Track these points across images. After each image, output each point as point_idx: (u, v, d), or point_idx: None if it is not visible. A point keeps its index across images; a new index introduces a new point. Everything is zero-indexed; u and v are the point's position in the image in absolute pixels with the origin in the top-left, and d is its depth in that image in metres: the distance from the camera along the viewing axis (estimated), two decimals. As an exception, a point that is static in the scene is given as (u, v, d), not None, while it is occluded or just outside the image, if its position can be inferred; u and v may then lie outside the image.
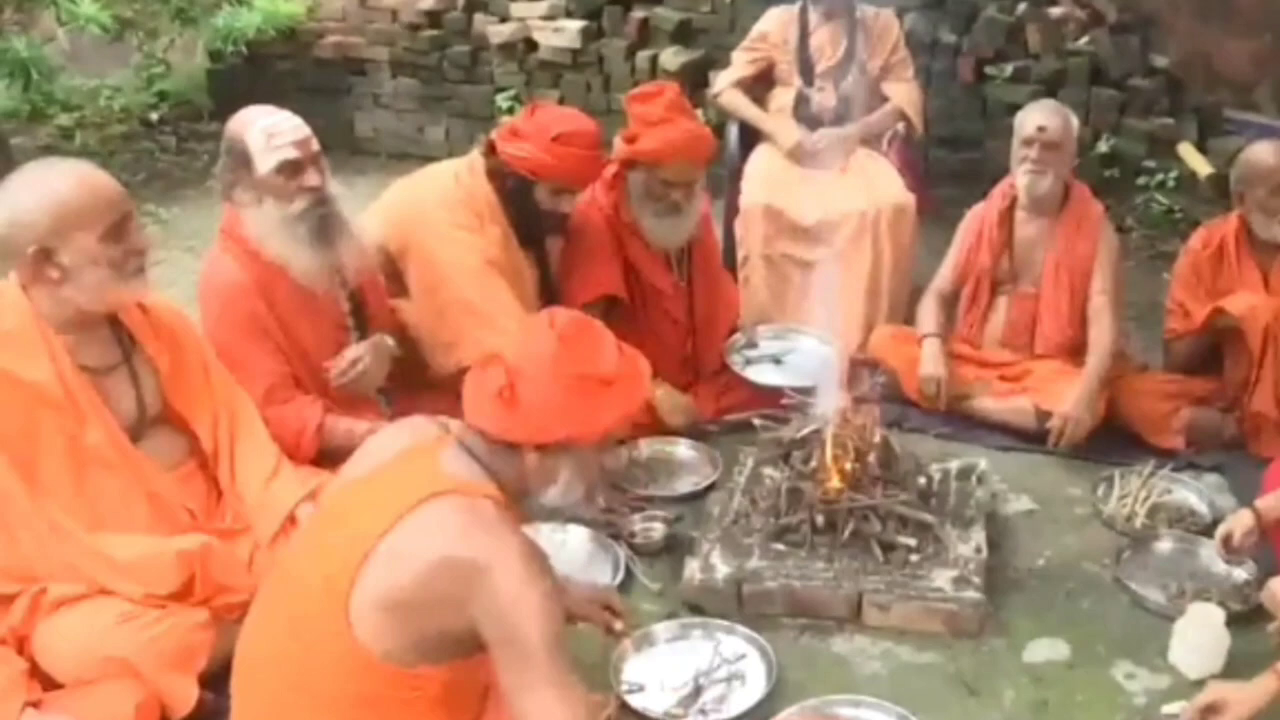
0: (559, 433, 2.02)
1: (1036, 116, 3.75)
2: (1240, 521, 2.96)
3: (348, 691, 1.96)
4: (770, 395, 3.56)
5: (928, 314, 3.94)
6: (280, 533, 2.74)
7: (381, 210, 3.54)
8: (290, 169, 2.94)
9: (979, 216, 3.95)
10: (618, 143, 3.66)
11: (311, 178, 2.97)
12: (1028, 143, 3.74)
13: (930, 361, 3.80)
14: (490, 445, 2.05)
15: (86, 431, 2.56)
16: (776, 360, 3.86)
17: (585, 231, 3.61)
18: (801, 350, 3.94)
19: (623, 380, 2.07)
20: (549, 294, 3.61)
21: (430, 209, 3.43)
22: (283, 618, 2.06)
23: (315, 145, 3.01)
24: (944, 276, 4.00)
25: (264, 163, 2.92)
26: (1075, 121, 3.82)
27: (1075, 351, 3.81)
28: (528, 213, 3.47)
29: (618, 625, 2.62)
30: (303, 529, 2.17)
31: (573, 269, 3.65)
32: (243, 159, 2.95)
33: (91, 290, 2.53)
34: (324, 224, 3.01)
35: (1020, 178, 3.78)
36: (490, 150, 3.48)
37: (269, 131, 2.93)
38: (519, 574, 1.91)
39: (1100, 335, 3.71)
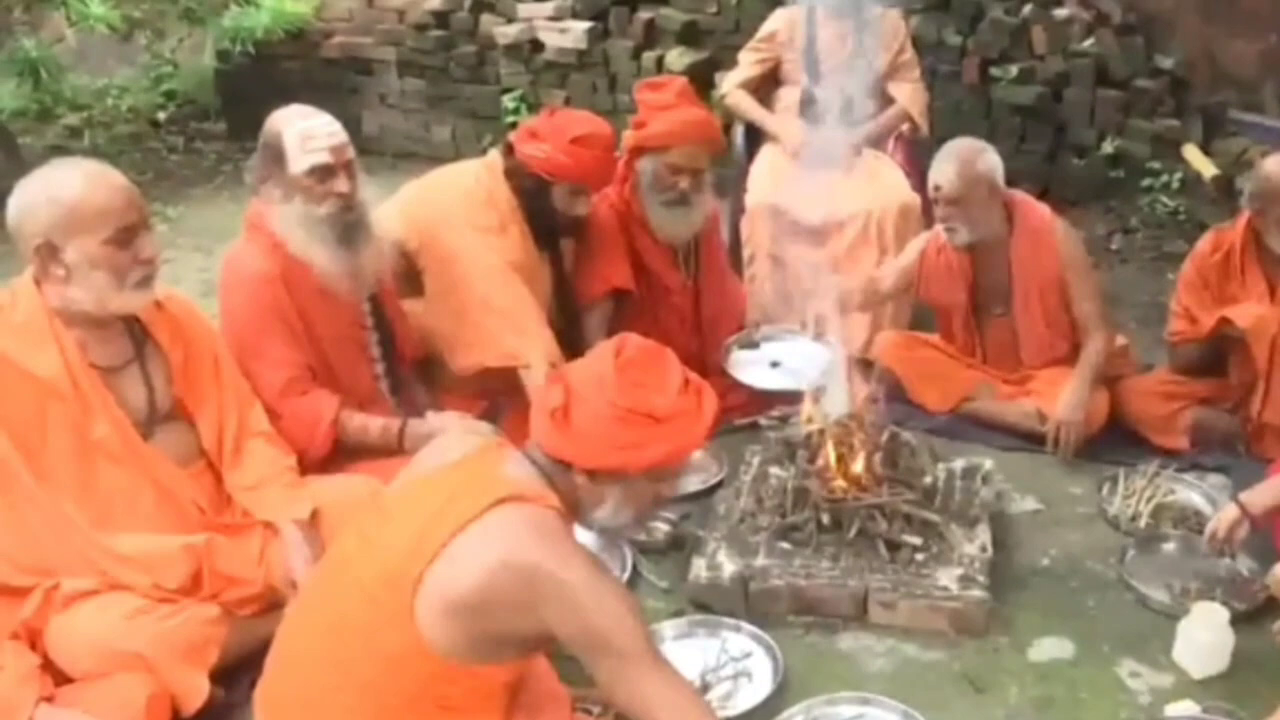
0: (606, 461, 2.04)
1: (934, 173, 3.64)
2: (1225, 517, 2.95)
3: (404, 688, 1.99)
4: (768, 398, 3.56)
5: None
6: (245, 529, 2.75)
7: (399, 208, 3.55)
8: (322, 173, 2.98)
9: (939, 250, 3.81)
10: (627, 133, 3.68)
11: (341, 184, 3.00)
12: (933, 200, 3.68)
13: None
14: (548, 459, 2.08)
15: (93, 425, 2.57)
16: (774, 363, 3.84)
17: (596, 226, 3.63)
18: (800, 353, 3.93)
19: (678, 418, 2.05)
20: (564, 294, 3.63)
21: (452, 208, 3.45)
22: (332, 616, 2.07)
23: (350, 153, 3.05)
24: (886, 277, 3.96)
25: (297, 163, 2.96)
26: (986, 160, 3.60)
27: (1069, 363, 3.74)
28: (544, 213, 3.49)
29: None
30: (358, 529, 2.15)
31: (583, 264, 3.66)
32: (277, 156, 2.98)
33: (93, 294, 2.54)
34: (348, 230, 3.04)
35: (940, 230, 3.75)
36: (509, 151, 3.50)
37: (306, 134, 2.97)
38: (589, 577, 1.95)
39: (1090, 343, 3.68)
